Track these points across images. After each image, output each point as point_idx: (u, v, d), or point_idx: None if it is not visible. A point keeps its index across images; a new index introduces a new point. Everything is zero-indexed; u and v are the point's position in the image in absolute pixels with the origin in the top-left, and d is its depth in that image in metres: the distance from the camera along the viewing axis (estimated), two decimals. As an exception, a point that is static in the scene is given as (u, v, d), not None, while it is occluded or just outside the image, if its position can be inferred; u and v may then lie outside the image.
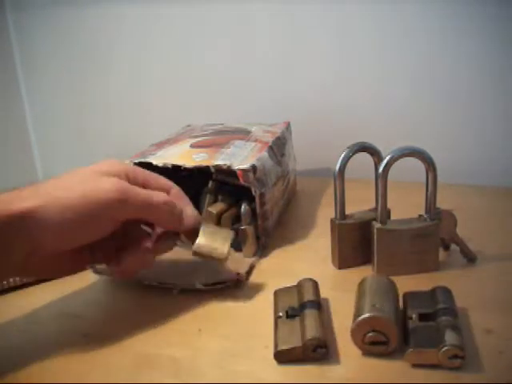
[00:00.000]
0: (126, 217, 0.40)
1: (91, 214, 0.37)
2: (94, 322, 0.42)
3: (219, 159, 0.52)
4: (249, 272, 0.49)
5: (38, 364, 0.37)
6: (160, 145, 0.60)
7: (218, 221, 0.55)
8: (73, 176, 0.40)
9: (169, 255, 0.50)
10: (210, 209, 0.55)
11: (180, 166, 0.52)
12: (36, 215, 0.35)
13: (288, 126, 0.71)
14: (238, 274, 0.47)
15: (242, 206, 0.51)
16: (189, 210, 0.44)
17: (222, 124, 0.71)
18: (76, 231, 0.37)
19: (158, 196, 0.41)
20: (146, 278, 0.46)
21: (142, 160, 0.53)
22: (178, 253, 0.52)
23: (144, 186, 0.42)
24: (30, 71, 0.97)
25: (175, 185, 0.45)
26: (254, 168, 0.51)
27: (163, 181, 0.44)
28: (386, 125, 0.76)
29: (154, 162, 0.52)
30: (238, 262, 0.50)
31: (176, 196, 0.44)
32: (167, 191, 0.43)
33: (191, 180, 0.61)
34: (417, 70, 0.73)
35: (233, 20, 0.80)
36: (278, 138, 0.63)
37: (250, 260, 0.50)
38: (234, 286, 0.46)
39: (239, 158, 0.53)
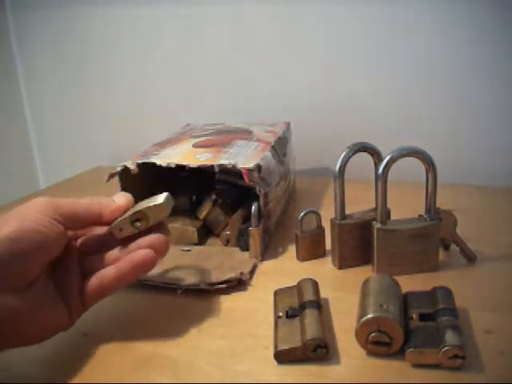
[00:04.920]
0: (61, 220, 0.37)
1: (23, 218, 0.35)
2: (94, 322, 0.42)
3: (223, 158, 0.52)
4: (251, 272, 0.49)
5: (38, 364, 0.38)
6: (161, 145, 0.60)
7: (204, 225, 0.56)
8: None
9: (171, 256, 0.51)
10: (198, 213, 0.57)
11: (182, 166, 0.52)
12: None
13: (288, 126, 0.71)
14: (241, 273, 0.47)
15: (253, 207, 0.50)
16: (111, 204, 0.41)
17: (223, 124, 0.71)
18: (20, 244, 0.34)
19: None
20: (149, 279, 0.46)
21: (146, 160, 0.53)
22: (181, 254, 0.52)
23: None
24: (31, 71, 0.97)
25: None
26: (258, 167, 0.51)
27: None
28: (386, 125, 0.76)
29: (158, 162, 0.52)
30: (241, 262, 0.50)
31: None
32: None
33: (190, 181, 0.61)
34: (417, 71, 0.73)
35: (232, 20, 0.80)
36: (280, 138, 0.63)
37: (253, 260, 0.51)
38: (237, 286, 0.46)
39: (243, 157, 0.53)
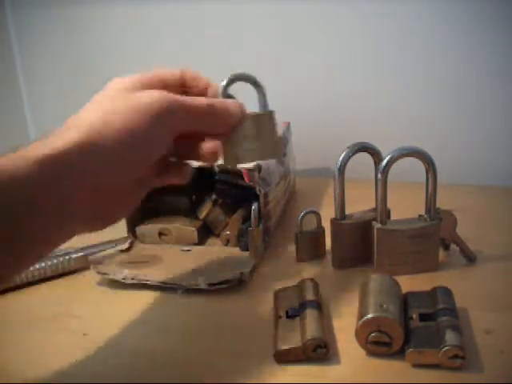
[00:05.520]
0: (179, 127, 0.38)
1: (145, 130, 0.36)
2: (94, 322, 0.42)
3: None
4: (251, 272, 0.49)
5: (38, 364, 0.38)
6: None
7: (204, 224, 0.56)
8: (102, 103, 0.39)
9: (171, 256, 0.51)
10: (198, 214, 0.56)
11: None
12: (88, 147, 0.34)
13: (288, 126, 0.71)
14: (241, 273, 0.47)
15: (253, 207, 0.50)
16: (232, 106, 0.43)
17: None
18: (134, 154, 0.36)
19: (201, 100, 0.40)
20: (149, 279, 0.46)
21: None
22: (181, 254, 0.52)
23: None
24: (31, 71, 0.96)
25: (207, 78, 0.44)
26: (258, 167, 0.51)
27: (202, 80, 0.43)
28: (386, 125, 0.76)
29: None
30: (241, 262, 0.50)
31: (214, 94, 0.43)
32: (205, 91, 0.43)
33: (190, 181, 0.61)
34: (417, 71, 0.73)
35: (232, 21, 0.80)
36: (280, 138, 0.63)
37: (253, 260, 0.51)
38: (237, 286, 0.46)
39: None
